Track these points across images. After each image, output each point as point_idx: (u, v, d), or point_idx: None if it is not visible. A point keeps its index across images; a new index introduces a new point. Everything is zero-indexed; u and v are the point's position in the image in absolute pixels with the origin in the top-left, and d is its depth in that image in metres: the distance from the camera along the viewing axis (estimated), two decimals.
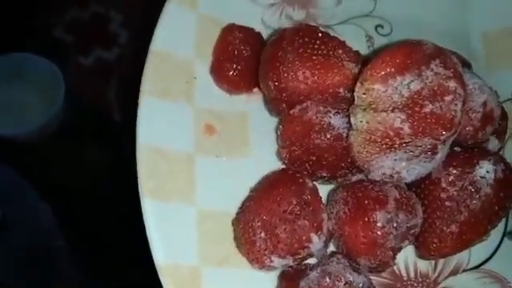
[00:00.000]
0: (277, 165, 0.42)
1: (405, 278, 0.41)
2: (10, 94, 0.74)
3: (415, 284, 0.41)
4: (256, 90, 0.46)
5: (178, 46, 0.45)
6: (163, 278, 0.35)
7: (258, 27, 0.48)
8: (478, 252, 0.42)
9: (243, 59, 0.44)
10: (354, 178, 0.39)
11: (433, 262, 0.42)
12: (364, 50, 0.50)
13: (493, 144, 0.41)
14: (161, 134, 0.40)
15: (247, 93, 0.45)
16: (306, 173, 0.39)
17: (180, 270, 0.36)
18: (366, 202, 0.36)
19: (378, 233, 0.36)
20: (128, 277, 0.68)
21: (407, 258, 0.41)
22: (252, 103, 0.45)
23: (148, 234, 0.36)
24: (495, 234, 0.42)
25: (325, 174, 0.39)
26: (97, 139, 0.77)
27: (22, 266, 0.68)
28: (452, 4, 0.52)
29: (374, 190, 0.37)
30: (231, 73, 0.44)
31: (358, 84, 0.34)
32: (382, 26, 0.51)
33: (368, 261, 0.37)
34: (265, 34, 0.47)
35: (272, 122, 0.45)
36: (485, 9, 0.52)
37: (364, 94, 0.34)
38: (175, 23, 0.45)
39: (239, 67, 0.44)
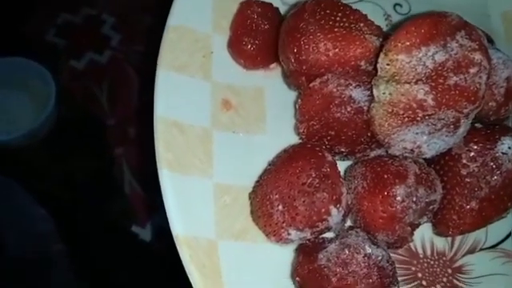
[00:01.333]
0: (294, 141, 0.42)
1: (421, 256, 0.41)
2: (1, 98, 0.74)
3: (431, 262, 0.41)
4: (273, 65, 0.45)
5: (196, 20, 0.44)
6: (181, 249, 0.35)
7: (275, 2, 0.47)
8: (495, 231, 0.42)
9: (261, 34, 0.43)
10: (373, 154, 0.39)
11: (449, 239, 0.42)
12: (383, 27, 0.50)
13: None
14: (178, 108, 0.40)
15: (264, 68, 0.45)
16: (324, 148, 0.38)
17: (197, 242, 0.35)
18: (386, 176, 0.36)
19: (398, 207, 0.35)
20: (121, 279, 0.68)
21: (424, 236, 0.41)
22: (269, 79, 0.45)
23: (166, 205, 0.36)
24: None
25: (343, 150, 0.39)
26: (88, 146, 0.77)
27: (19, 270, 0.68)
28: None
29: (394, 164, 0.37)
30: (249, 47, 0.43)
31: (382, 55, 0.34)
32: (400, 5, 0.51)
33: (386, 236, 0.36)
34: (282, 10, 0.47)
35: (289, 97, 0.44)
36: None
37: (388, 64, 0.33)
38: None
39: (257, 42, 0.43)
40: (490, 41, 0.41)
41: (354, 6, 0.49)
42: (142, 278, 0.68)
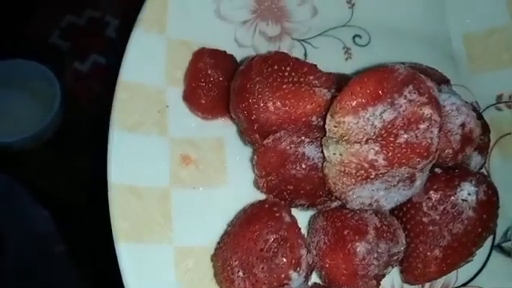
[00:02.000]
0: (255, 192, 0.41)
1: None
2: (5, 100, 0.74)
3: None
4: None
5: (148, 74, 0.43)
6: None
7: (230, 46, 0.46)
8: (465, 269, 0.41)
9: (216, 85, 0.43)
10: (334, 204, 0.38)
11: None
12: (342, 62, 0.49)
13: (475, 160, 0.39)
14: (133, 171, 0.39)
15: (222, 118, 0.44)
16: (284, 201, 0.38)
17: None
18: (346, 232, 0.36)
19: (359, 264, 0.35)
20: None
21: (393, 282, 0.41)
22: (228, 128, 0.44)
23: (123, 279, 0.35)
24: (483, 248, 0.41)
25: (304, 202, 0.38)
26: (93, 147, 0.77)
27: (21, 270, 0.68)
28: (430, 8, 0.51)
29: (354, 218, 0.36)
30: (204, 100, 0.42)
31: (329, 117, 0.33)
32: (359, 36, 0.50)
33: None
34: (238, 53, 0.46)
35: (249, 148, 0.43)
36: (464, 11, 0.51)
37: (335, 126, 0.33)
38: (143, 51, 0.44)
39: (212, 93, 0.43)
40: (446, 82, 0.41)
41: (312, 41, 0.49)
42: None
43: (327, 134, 0.33)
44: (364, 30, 0.50)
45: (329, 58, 0.46)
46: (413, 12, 0.50)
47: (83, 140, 0.76)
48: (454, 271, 0.41)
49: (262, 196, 0.40)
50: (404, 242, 0.36)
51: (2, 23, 0.78)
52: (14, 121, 0.73)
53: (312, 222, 0.39)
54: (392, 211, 0.38)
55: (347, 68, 0.48)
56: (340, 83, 0.38)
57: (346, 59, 0.49)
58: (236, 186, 0.42)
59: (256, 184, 0.40)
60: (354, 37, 0.50)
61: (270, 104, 0.36)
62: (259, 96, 0.36)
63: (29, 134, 0.70)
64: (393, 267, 0.38)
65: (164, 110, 0.43)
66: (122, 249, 0.36)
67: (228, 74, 0.43)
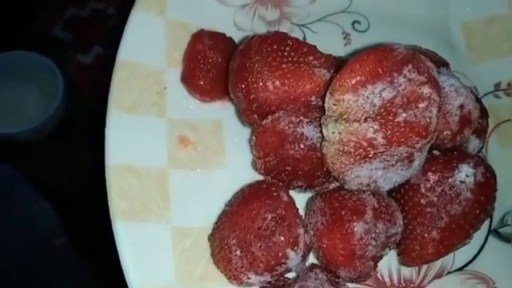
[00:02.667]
0: (253, 175, 0.41)
1: (388, 284, 0.40)
2: (9, 92, 0.75)
3: None
4: (229, 97, 0.44)
5: (147, 54, 0.43)
6: None
7: (229, 30, 0.46)
8: (462, 253, 0.41)
9: (214, 66, 0.42)
10: (332, 186, 0.38)
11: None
12: (341, 47, 0.49)
13: (473, 144, 0.39)
14: (132, 151, 0.39)
15: (221, 100, 0.44)
16: (282, 182, 0.38)
17: None
18: (343, 212, 0.36)
19: (357, 244, 0.35)
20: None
21: (390, 264, 0.41)
22: (226, 110, 0.44)
23: (121, 258, 0.35)
24: (480, 233, 0.40)
25: (301, 183, 0.38)
26: (96, 139, 0.77)
27: (22, 262, 0.68)
28: None
29: (352, 199, 0.36)
30: (202, 81, 0.42)
31: (328, 95, 0.33)
32: (359, 22, 0.50)
33: (348, 272, 0.36)
34: (237, 36, 0.46)
35: (248, 129, 0.43)
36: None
37: (334, 104, 0.32)
38: (143, 31, 0.44)
39: (210, 75, 0.42)
40: (444, 64, 0.40)
41: (312, 27, 0.49)
42: None
43: (326, 113, 0.33)
44: (363, 16, 0.50)
45: (328, 43, 0.46)
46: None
47: (85, 131, 0.76)
48: (451, 255, 0.41)
49: (259, 178, 0.40)
50: (401, 223, 0.36)
51: (7, 16, 0.79)
52: (18, 112, 0.74)
53: (310, 203, 0.39)
54: (389, 193, 0.38)
55: (346, 53, 0.48)
56: (339, 66, 0.38)
57: (345, 44, 0.49)
58: (234, 167, 0.42)
59: (254, 165, 0.40)
60: (353, 23, 0.50)
61: (269, 83, 0.35)
62: (258, 75, 0.36)
63: (32, 125, 0.70)
64: (390, 249, 0.38)
65: (162, 91, 0.43)
66: (120, 228, 0.36)
67: (227, 56, 0.42)
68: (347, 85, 0.32)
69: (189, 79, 0.43)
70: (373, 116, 0.32)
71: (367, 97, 0.32)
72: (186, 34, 0.45)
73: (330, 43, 0.48)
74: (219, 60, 0.42)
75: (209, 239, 0.38)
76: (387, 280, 0.40)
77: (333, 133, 0.33)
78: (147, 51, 0.43)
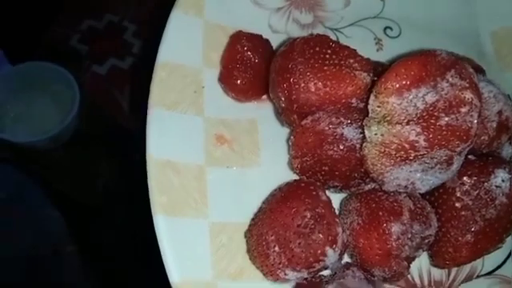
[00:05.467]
0: (288, 174, 0.42)
1: (419, 286, 0.41)
2: (26, 102, 0.76)
3: None
4: (265, 96, 0.45)
5: (186, 55, 0.44)
6: None
7: (264, 32, 0.47)
8: (491, 258, 0.42)
9: (251, 67, 0.43)
10: (367, 187, 0.39)
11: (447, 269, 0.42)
12: (373, 52, 0.50)
13: (507, 150, 0.40)
14: (171, 147, 0.40)
15: (256, 100, 0.45)
16: (318, 183, 0.38)
17: (195, 285, 0.35)
18: (381, 213, 0.36)
19: (393, 244, 0.35)
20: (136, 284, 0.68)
21: (421, 266, 0.41)
22: (261, 110, 0.45)
23: (162, 251, 0.36)
24: (509, 239, 0.41)
25: (337, 184, 0.39)
26: (110, 148, 0.78)
27: (30, 269, 0.68)
28: (460, 4, 0.52)
29: (388, 200, 0.37)
30: (240, 81, 0.43)
31: (372, 97, 0.34)
32: (390, 28, 0.50)
33: (383, 271, 0.37)
34: (272, 38, 0.47)
35: (282, 129, 0.44)
36: (493, 8, 0.52)
37: (378, 106, 0.33)
38: (182, 32, 0.44)
39: (248, 75, 0.43)
40: (481, 71, 0.41)
41: (345, 31, 0.50)
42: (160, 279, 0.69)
43: (370, 115, 0.34)
44: (395, 22, 0.51)
45: (360, 48, 0.46)
46: (442, 6, 0.51)
47: (100, 142, 0.78)
48: (480, 259, 0.42)
49: (294, 177, 0.40)
50: (436, 225, 0.37)
51: (25, 27, 0.79)
52: (34, 121, 0.75)
53: (344, 204, 0.40)
54: (423, 196, 0.39)
55: (378, 58, 0.48)
56: (375, 70, 0.39)
57: (377, 50, 0.49)
58: (269, 167, 0.42)
59: (290, 165, 0.40)
60: (385, 28, 0.51)
61: (311, 84, 0.36)
62: (301, 76, 0.36)
63: (48, 134, 0.71)
64: (423, 251, 0.38)
65: (200, 90, 0.43)
66: (160, 222, 0.37)
67: (264, 57, 0.43)
68: (392, 88, 0.33)
69: (226, 79, 0.43)
70: (415, 119, 0.33)
71: (411, 100, 0.33)
72: (223, 35, 0.46)
73: (363, 48, 0.48)
74: (256, 61, 0.43)
75: (245, 235, 0.39)
76: (417, 282, 0.41)
77: (375, 134, 0.34)
78: (186, 52, 0.44)
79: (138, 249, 0.71)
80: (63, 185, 0.74)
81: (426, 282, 0.41)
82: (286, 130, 0.44)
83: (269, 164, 0.43)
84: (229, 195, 0.41)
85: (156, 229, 0.37)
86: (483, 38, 0.52)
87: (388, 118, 0.33)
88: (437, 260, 0.39)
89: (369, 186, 0.39)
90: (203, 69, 0.44)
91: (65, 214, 0.71)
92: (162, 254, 0.36)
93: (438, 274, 0.41)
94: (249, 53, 0.43)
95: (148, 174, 0.38)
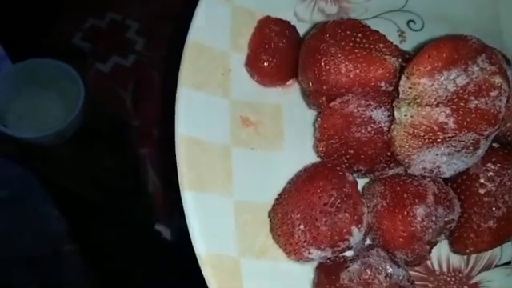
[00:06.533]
0: (311, 158, 0.42)
1: (437, 272, 0.41)
2: (31, 98, 0.77)
3: (448, 278, 0.41)
4: (290, 82, 0.46)
5: (214, 38, 0.45)
6: (204, 268, 0.35)
7: (290, 20, 0.48)
8: (509, 247, 0.42)
9: (278, 52, 0.44)
10: (391, 172, 0.39)
11: (465, 256, 0.42)
12: (396, 44, 0.50)
13: None
14: (200, 126, 0.40)
15: (281, 85, 0.46)
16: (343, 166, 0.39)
17: (220, 260, 0.36)
18: (405, 195, 0.37)
19: (417, 227, 0.36)
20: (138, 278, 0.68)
21: (440, 252, 0.42)
22: (286, 95, 0.46)
23: (188, 224, 0.36)
24: None
25: (362, 168, 0.39)
26: (113, 145, 0.79)
27: (30, 267, 0.68)
28: (484, 3, 0.52)
29: (413, 184, 0.37)
30: (267, 65, 0.44)
31: (404, 78, 0.34)
32: (414, 21, 0.51)
33: (405, 254, 0.37)
34: (297, 26, 0.47)
35: (306, 114, 0.45)
36: None
37: (410, 88, 0.34)
38: (211, 15, 0.45)
39: (275, 60, 0.44)
40: (508, 62, 0.42)
41: (368, 22, 0.50)
42: (161, 277, 0.69)
43: (400, 96, 0.35)
44: (418, 15, 0.52)
45: None
46: (466, 2, 0.52)
47: (103, 138, 0.78)
48: (498, 249, 0.42)
49: (317, 162, 0.41)
50: (459, 210, 0.38)
51: (29, 25, 0.80)
52: (39, 118, 0.76)
53: (367, 188, 0.40)
54: (447, 182, 0.39)
55: None
56: (403, 56, 0.40)
57: (401, 42, 0.50)
58: (293, 150, 0.43)
59: (315, 148, 0.41)
60: (408, 21, 0.51)
61: (342, 66, 0.37)
62: (332, 58, 0.37)
63: (53, 131, 0.72)
64: (444, 236, 0.39)
65: (227, 73, 0.44)
66: (187, 197, 0.37)
67: (290, 42, 0.44)
68: (424, 69, 0.33)
69: (253, 63, 0.44)
70: (445, 101, 0.33)
71: (442, 82, 0.33)
72: (251, 20, 0.46)
73: None
74: (284, 46, 0.44)
75: (269, 215, 0.39)
76: (437, 268, 0.41)
77: (405, 115, 0.35)
78: (214, 35, 0.45)
79: (139, 247, 0.71)
80: (65, 180, 0.74)
81: (444, 269, 0.41)
82: (310, 116, 0.45)
83: (293, 148, 0.43)
84: (253, 176, 0.41)
85: (184, 203, 0.37)
86: (506, 34, 0.52)
87: (418, 100, 0.34)
88: (457, 246, 0.39)
89: (392, 171, 0.40)
90: (230, 53, 0.45)
91: (65, 213, 0.71)
92: (188, 227, 0.36)
93: (456, 261, 0.42)
94: (277, 37, 0.44)
95: (177, 150, 0.39)
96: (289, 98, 0.46)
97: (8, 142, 0.70)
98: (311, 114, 0.45)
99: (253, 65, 0.44)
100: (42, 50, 0.78)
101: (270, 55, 0.44)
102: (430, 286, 0.40)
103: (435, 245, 0.38)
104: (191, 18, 0.45)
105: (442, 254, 0.42)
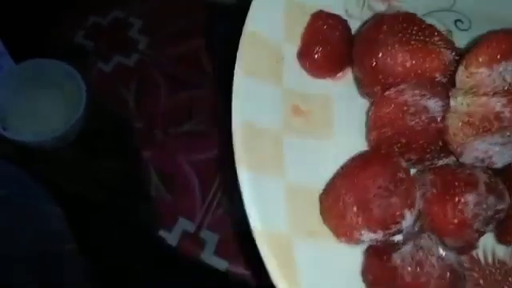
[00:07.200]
0: (361, 147, 0.43)
1: (482, 263, 0.42)
2: (33, 99, 0.74)
3: (493, 270, 0.42)
4: (340, 74, 0.47)
5: (268, 29, 0.46)
6: (260, 244, 0.36)
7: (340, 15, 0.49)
8: None
9: (330, 44, 0.45)
10: (440, 163, 0.40)
11: (510, 249, 0.43)
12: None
13: None
14: (255, 111, 0.42)
15: (331, 78, 0.47)
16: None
17: (275, 237, 0.37)
18: (457, 183, 0.38)
19: (469, 214, 0.37)
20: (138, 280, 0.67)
21: (486, 244, 0.42)
22: (336, 87, 0.47)
23: (245, 203, 0.38)
24: None
25: (413, 157, 0.40)
26: (116, 146, 0.77)
27: (31, 267, 0.67)
28: None
29: (464, 173, 0.38)
30: (318, 57, 0.45)
31: (462, 68, 0.35)
32: (461, 21, 0.52)
33: (454, 242, 0.38)
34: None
35: (355, 106, 0.46)
36: None
37: (467, 77, 0.35)
38: (266, 7, 0.47)
39: (326, 52, 0.45)
40: None
41: None
42: (162, 278, 0.68)
43: (457, 85, 0.36)
44: (465, 16, 0.53)
45: None
46: None
47: (105, 140, 0.77)
48: None
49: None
50: (509, 200, 0.38)
51: (30, 24, 0.79)
52: (41, 120, 0.73)
53: (417, 177, 0.41)
54: (496, 174, 0.40)
55: None
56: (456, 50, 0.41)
57: None
58: (343, 140, 0.44)
59: (367, 137, 0.42)
60: (455, 21, 0.52)
61: (398, 56, 0.38)
62: (389, 48, 0.38)
63: (54, 134, 0.69)
64: (493, 227, 0.39)
65: (280, 61, 0.46)
66: (244, 175, 0.39)
67: (342, 36, 0.46)
68: (482, 59, 0.34)
69: (305, 54, 0.46)
70: (501, 92, 0.35)
71: (500, 72, 0.34)
72: (302, 14, 0.48)
73: None
74: (336, 39, 0.45)
75: (319, 198, 0.41)
76: (482, 258, 0.42)
77: (461, 104, 0.36)
78: (268, 26, 0.47)
79: (140, 248, 0.71)
80: (67, 182, 0.73)
81: (489, 260, 0.42)
82: (359, 107, 0.46)
83: (343, 138, 0.44)
84: (303, 163, 0.43)
85: (240, 183, 0.39)
86: None
87: (475, 89, 0.35)
88: (504, 237, 0.40)
89: (442, 161, 0.41)
90: (283, 44, 0.47)
91: (66, 211, 0.67)
92: (245, 206, 0.38)
93: (502, 253, 0.42)
94: (329, 30, 0.45)
95: (233, 133, 0.40)
96: (338, 89, 0.47)
97: (8, 145, 0.69)
98: (359, 105, 0.46)
99: (305, 56, 0.46)
100: (42, 50, 0.76)
101: (322, 47, 0.45)
102: (475, 275, 0.41)
103: (483, 234, 0.39)
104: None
105: (487, 245, 0.42)
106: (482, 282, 0.41)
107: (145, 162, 0.75)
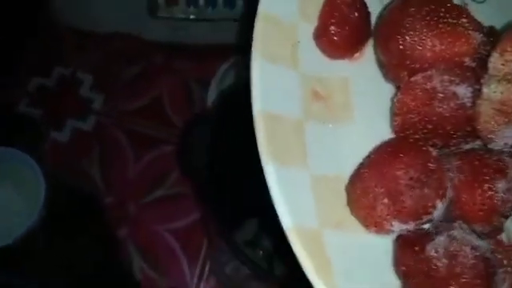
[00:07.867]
0: (382, 130, 0.43)
1: (505, 244, 0.42)
2: None
3: None
4: (357, 55, 0.46)
5: (282, 9, 0.44)
6: (292, 238, 0.36)
7: None
8: None
9: (349, 23, 0.44)
10: (467, 147, 0.40)
11: None
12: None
13: None
14: (275, 100, 0.40)
15: (349, 58, 0.45)
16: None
17: (305, 230, 0.37)
18: (485, 170, 0.37)
19: (498, 200, 0.37)
20: None
21: (508, 225, 0.42)
22: (353, 68, 0.45)
23: (273, 197, 0.37)
24: None
25: (438, 143, 0.39)
26: (87, 229, 0.67)
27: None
28: None
29: (492, 159, 0.38)
30: (336, 37, 0.43)
31: (496, 55, 0.34)
32: None
33: (483, 227, 0.38)
34: None
35: (373, 87, 0.45)
36: None
37: (502, 64, 0.34)
38: None
39: (344, 31, 0.43)
40: None
41: None
42: None
43: (490, 72, 0.35)
44: None
45: None
46: None
47: (74, 224, 0.66)
48: None
49: (389, 135, 0.41)
50: None
51: None
52: (5, 219, 0.62)
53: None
54: None
55: None
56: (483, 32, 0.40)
57: None
58: (364, 124, 0.43)
59: (391, 122, 0.41)
60: None
61: (427, 40, 0.37)
62: (417, 32, 0.37)
63: (20, 233, 0.59)
64: None
65: (296, 45, 0.44)
66: (270, 169, 0.38)
67: (361, 14, 0.44)
68: None
69: (322, 34, 0.44)
70: None
71: None
72: None
73: None
74: (354, 18, 0.44)
75: (346, 189, 0.40)
76: (505, 240, 0.42)
77: (494, 92, 0.35)
78: (283, 6, 0.44)
79: None
80: (42, 278, 0.63)
81: None
82: (378, 89, 0.45)
83: (364, 122, 0.43)
84: (325, 150, 0.42)
85: (267, 177, 0.38)
86: None
87: (509, 77, 0.34)
88: None
89: (468, 145, 0.40)
90: (299, 23, 0.45)
91: None
92: (273, 200, 0.37)
93: None
94: (347, 9, 0.43)
95: (255, 124, 0.39)
96: (356, 70, 0.45)
97: None
98: (378, 87, 0.45)
99: (322, 36, 0.44)
100: None
101: (341, 27, 0.43)
102: (499, 256, 0.41)
103: (508, 218, 0.39)
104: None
105: (509, 226, 0.43)
106: (505, 262, 0.41)
107: (123, 241, 0.67)
